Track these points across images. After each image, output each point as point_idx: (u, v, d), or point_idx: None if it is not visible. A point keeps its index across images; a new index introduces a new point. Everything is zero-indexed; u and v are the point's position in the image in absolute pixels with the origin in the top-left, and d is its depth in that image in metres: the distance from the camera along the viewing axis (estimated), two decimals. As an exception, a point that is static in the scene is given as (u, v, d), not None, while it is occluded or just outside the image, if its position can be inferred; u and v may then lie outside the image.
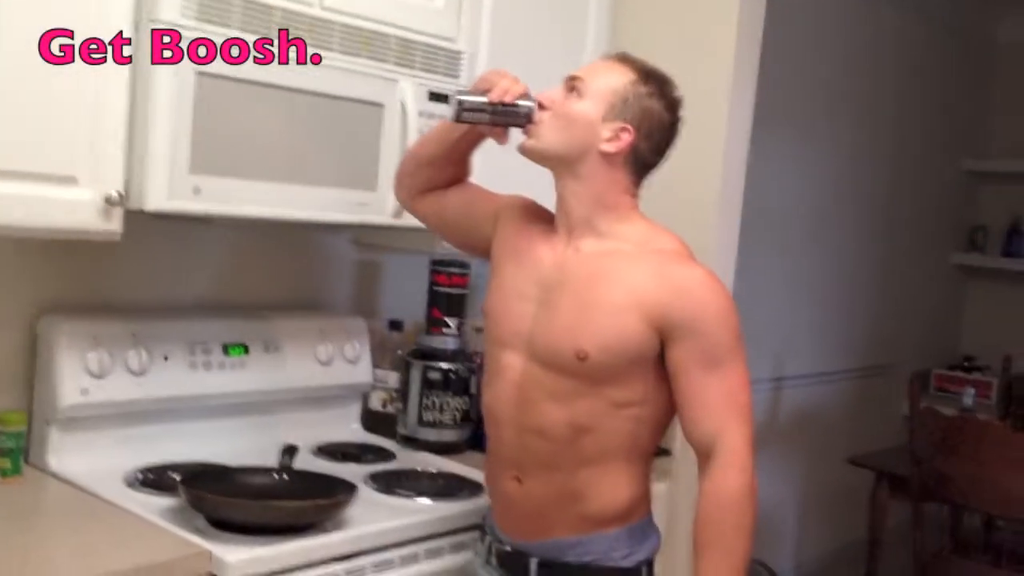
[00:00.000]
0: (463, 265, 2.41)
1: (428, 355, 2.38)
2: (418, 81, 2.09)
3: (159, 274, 2.19)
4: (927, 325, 5.24)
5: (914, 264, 5.05)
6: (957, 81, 5.12)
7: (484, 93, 1.70)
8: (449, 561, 1.94)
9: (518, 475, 1.72)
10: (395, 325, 2.55)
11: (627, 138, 1.66)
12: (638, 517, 1.73)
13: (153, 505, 1.80)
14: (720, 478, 1.61)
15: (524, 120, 1.70)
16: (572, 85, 1.69)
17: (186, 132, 1.75)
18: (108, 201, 1.69)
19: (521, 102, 1.69)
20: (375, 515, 1.88)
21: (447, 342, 2.39)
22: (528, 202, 1.85)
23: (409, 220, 2.06)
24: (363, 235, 2.48)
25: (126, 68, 1.69)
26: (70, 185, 1.66)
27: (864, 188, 4.58)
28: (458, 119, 1.72)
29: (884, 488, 3.75)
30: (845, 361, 4.68)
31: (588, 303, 1.65)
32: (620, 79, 1.67)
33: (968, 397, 3.90)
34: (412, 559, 1.89)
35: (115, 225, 1.71)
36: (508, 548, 1.75)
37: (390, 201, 2.06)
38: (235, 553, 1.64)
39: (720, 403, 1.62)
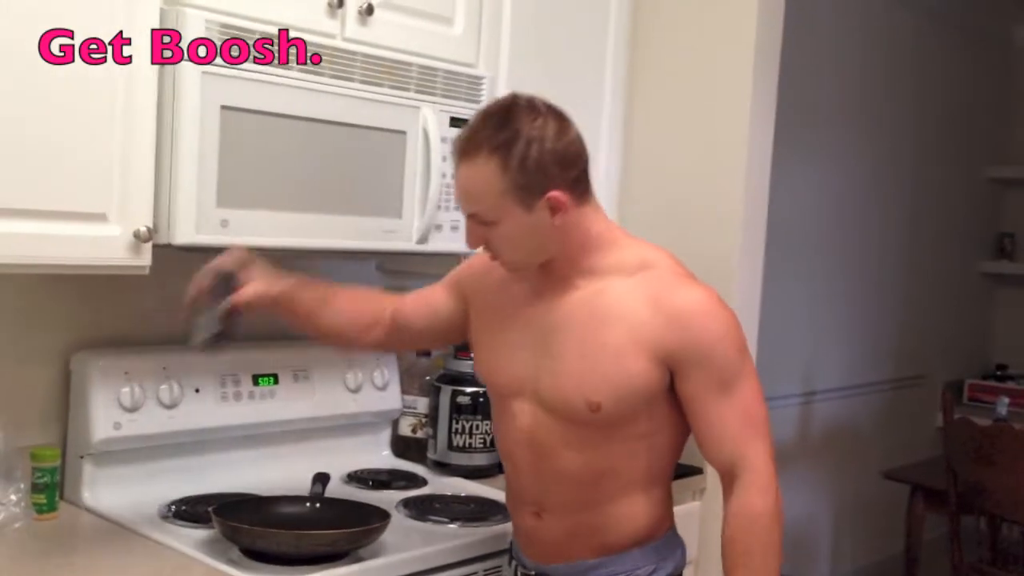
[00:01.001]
0: (489, 289, 2.41)
1: (456, 380, 2.39)
2: (439, 107, 2.10)
3: (188, 307, 2.20)
4: (958, 335, 5.19)
5: (942, 273, 5.01)
6: (976, 87, 5.09)
7: (206, 305, 1.73)
8: (483, 585, 1.94)
9: (537, 511, 1.71)
10: (423, 350, 2.55)
11: (560, 196, 1.56)
12: (661, 533, 1.72)
13: (187, 537, 1.81)
14: (745, 499, 1.59)
15: (228, 281, 1.72)
16: (479, 220, 1.60)
17: (212, 166, 1.77)
18: (137, 236, 1.71)
19: (220, 271, 1.72)
20: (409, 542, 1.88)
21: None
22: (483, 259, 1.72)
23: (434, 246, 2.08)
24: (389, 261, 2.49)
25: (152, 106, 1.71)
26: (100, 222, 1.68)
27: (887, 198, 4.55)
28: (228, 340, 1.78)
29: (920, 501, 3.70)
30: (876, 374, 4.65)
31: (593, 349, 1.61)
32: (492, 173, 1.54)
33: (1002, 406, 3.84)
34: (446, 585, 1.89)
35: (144, 260, 1.74)
36: (533, 573, 1.75)
37: (415, 227, 2.08)
38: (270, 584, 1.65)
39: (736, 424, 1.60)
